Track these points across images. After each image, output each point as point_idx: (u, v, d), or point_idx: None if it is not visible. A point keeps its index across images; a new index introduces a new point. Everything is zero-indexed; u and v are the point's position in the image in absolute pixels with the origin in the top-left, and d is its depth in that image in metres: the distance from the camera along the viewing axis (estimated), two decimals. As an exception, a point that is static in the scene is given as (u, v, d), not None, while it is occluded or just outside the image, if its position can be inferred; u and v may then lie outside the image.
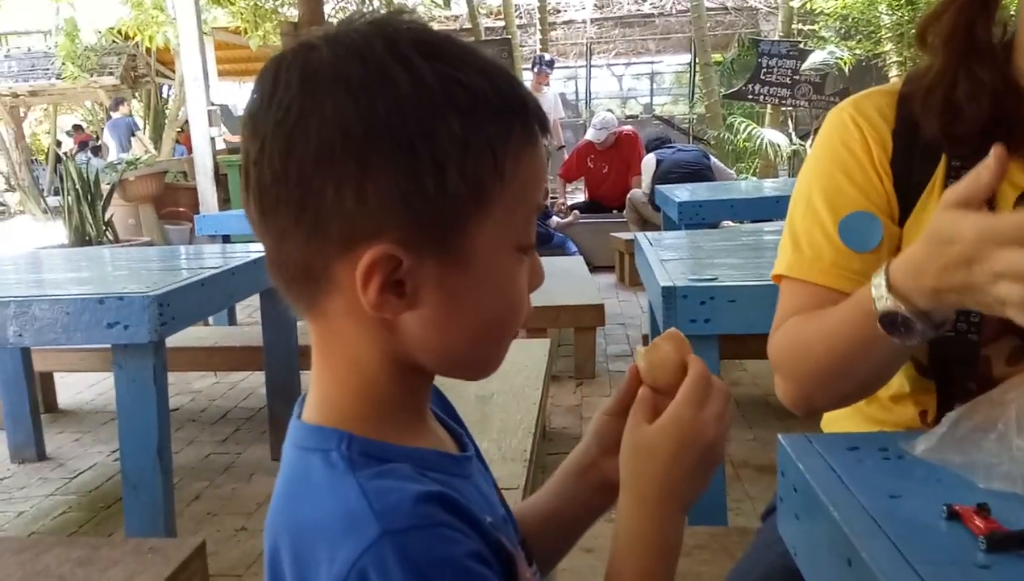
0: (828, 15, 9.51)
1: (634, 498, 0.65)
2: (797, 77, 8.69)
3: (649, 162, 6.57)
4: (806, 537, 0.76)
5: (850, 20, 9.21)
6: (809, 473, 0.76)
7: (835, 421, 1.12)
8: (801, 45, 8.99)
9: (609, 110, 10.54)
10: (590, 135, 7.52)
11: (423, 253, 0.57)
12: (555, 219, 7.13)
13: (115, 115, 12.25)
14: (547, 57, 8.93)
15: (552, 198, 7.43)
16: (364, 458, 0.58)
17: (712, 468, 0.65)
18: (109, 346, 2.03)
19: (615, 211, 7.47)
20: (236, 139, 7.75)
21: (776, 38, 9.65)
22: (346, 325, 0.60)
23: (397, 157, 0.54)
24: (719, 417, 0.65)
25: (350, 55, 0.55)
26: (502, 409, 2.32)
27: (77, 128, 12.42)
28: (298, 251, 0.58)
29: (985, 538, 0.60)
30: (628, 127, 7.99)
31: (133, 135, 12.21)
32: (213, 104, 8.11)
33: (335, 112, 0.54)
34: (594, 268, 6.49)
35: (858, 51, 9.09)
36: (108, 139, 11.87)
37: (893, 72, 8.73)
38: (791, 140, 9.30)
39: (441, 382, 0.70)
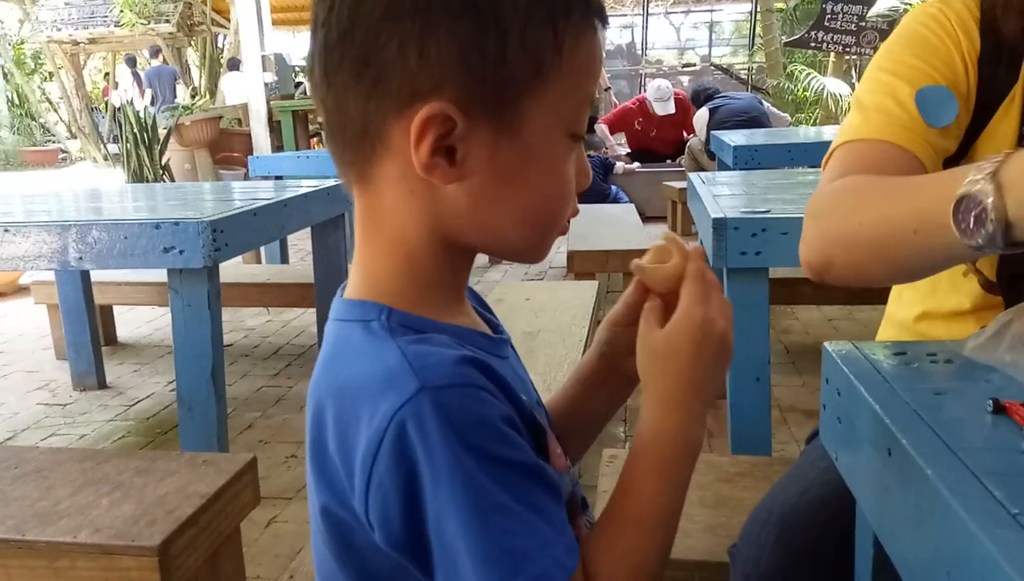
0: (898, -41, 9.14)
1: (659, 399, 0.64)
2: (863, 24, 8.37)
3: (702, 116, 6.44)
4: (847, 436, 0.75)
5: (921, -36, 8.84)
6: (853, 374, 0.75)
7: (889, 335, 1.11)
8: (868, -10, 8.66)
9: (659, 70, 10.11)
10: (659, 109, 7.25)
11: (477, 118, 0.57)
12: (620, 165, 7.02)
13: (155, 63, 12.28)
14: None
15: (604, 149, 7.32)
16: (403, 329, 0.59)
17: (727, 359, 0.65)
18: (165, 280, 2.10)
19: (668, 161, 7.37)
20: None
21: (841, -16, 9.30)
22: (394, 195, 0.61)
23: (461, 16, 0.55)
24: (723, 308, 0.65)
25: None
26: (548, 345, 2.33)
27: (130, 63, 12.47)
28: (357, 109, 0.59)
29: (1031, 426, 0.59)
30: (678, 90, 7.78)
31: (177, 82, 12.28)
32: (266, 52, 8.17)
33: None
34: (646, 218, 6.42)
35: (928, -3, 8.73)
36: (147, 88, 11.86)
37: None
38: (854, 89, 9.02)
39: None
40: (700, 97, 6.80)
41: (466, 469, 0.53)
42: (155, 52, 12.45)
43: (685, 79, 7.54)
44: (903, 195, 0.76)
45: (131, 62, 12.50)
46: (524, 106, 0.58)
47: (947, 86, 0.90)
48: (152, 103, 11.15)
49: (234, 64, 11.35)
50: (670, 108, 7.19)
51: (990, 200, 0.65)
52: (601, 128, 7.43)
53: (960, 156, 0.94)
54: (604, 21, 0.61)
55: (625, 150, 7.58)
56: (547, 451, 0.63)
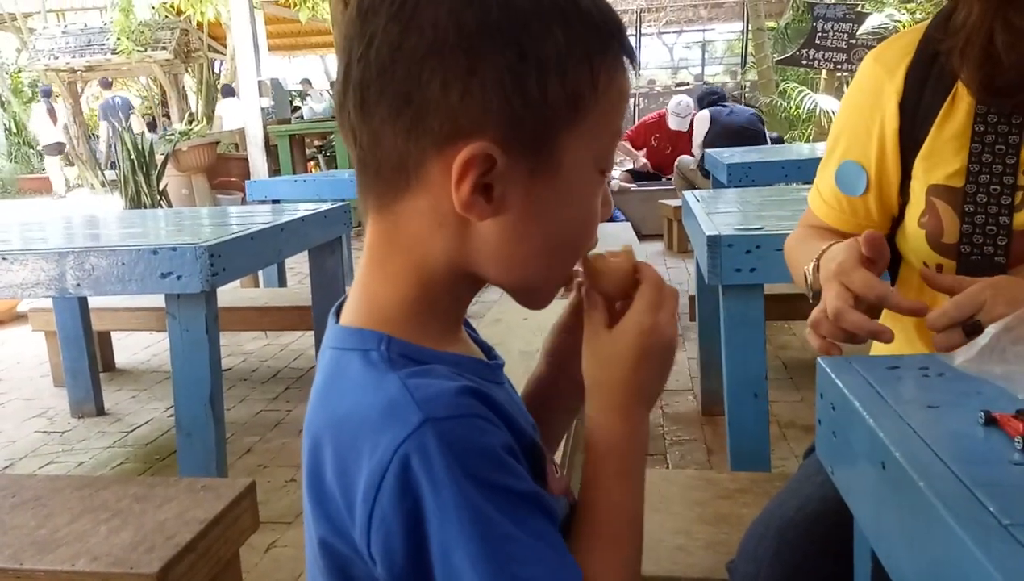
0: (886, -23, 9.23)
1: (604, 405, 0.66)
2: (854, 41, 8.46)
3: (703, 118, 6.41)
4: (842, 450, 0.75)
5: (910, -18, 8.94)
6: (847, 388, 0.75)
7: (882, 350, 1.12)
8: (858, 8, 8.75)
9: (682, 89, 10.18)
10: (673, 124, 7.33)
11: (517, 157, 0.58)
12: (615, 182, 7.04)
13: (107, 95, 12.24)
14: None
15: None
16: (403, 359, 0.59)
17: (670, 366, 0.68)
18: (163, 306, 2.10)
19: (664, 179, 7.39)
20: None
21: (832, 1, 9.39)
22: (420, 226, 0.61)
23: (506, 56, 0.56)
24: (671, 319, 0.66)
25: None
26: (546, 364, 2.33)
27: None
28: (394, 145, 0.59)
29: (1022, 438, 0.59)
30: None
31: (132, 113, 12.29)
32: (263, 77, 8.21)
33: (451, 8, 0.56)
34: (643, 236, 6.45)
35: (918, 14, 8.82)
36: (101, 121, 11.82)
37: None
38: (845, 107, 9.05)
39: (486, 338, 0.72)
40: (705, 100, 6.78)
41: (472, 501, 0.53)
42: (107, 84, 12.46)
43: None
44: (796, 255, 1.14)
45: (46, 94, 12.49)
46: (561, 143, 0.59)
47: (860, 159, 1.12)
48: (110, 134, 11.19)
49: (228, 91, 11.39)
50: (684, 125, 7.22)
51: (809, 279, 1.01)
52: (623, 145, 7.48)
53: (907, 179, 1.09)
54: (633, 59, 0.63)
55: (643, 160, 7.63)
56: (545, 476, 0.64)
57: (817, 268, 0.99)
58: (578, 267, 0.68)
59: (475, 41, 0.55)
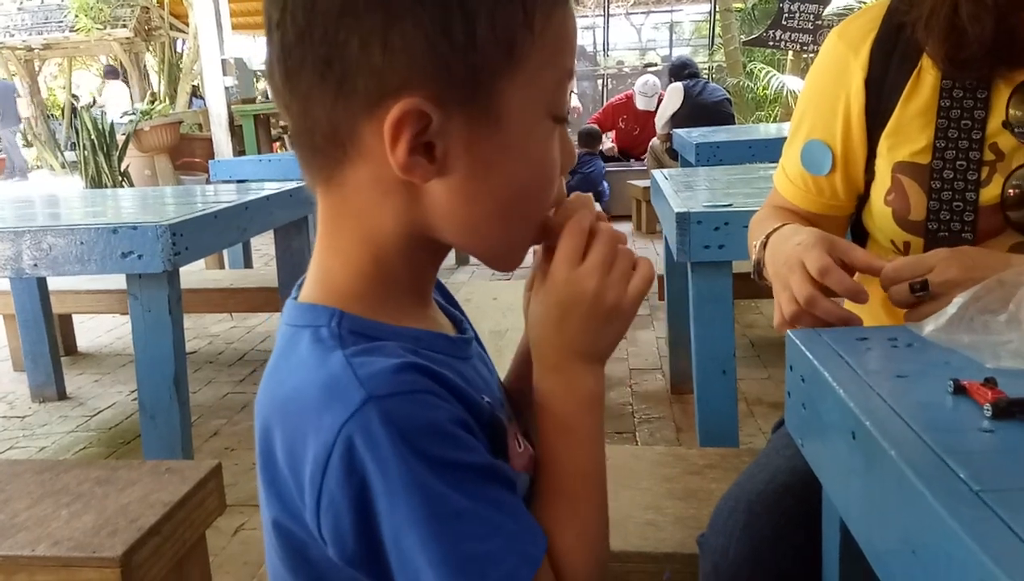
0: (852, -42, 9.27)
1: (538, 363, 0.65)
2: (820, 23, 8.47)
3: (676, 89, 6.34)
4: (812, 422, 0.75)
5: (875, -38, 8.98)
6: (817, 359, 0.75)
7: None
8: (824, -11, 8.78)
9: (648, 68, 10.18)
10: (640, 103, 7.30)
11: (452, 110, 0.55)
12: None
13: None
14: None
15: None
16: (353, 335, 0.57)
17: (610, 318, 0.63)
18: (125, 288, 2.05)
19: (632, 161, 7.40)
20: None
21: (798, -18, 9.42)
22: (366, 196, 0.58)
23: (424, 4, 0.52)
24: (600, 265, 0.62)
25: None
26: (515, 344, 2.31)
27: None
28: (324, 114, 0.56)
29: (991, 405, 0.59)
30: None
31: (16, 96, 12.02)
32: (226, 56, 8.08)
33: None
34: (611, 217, 6.46)
35: (882, -5, 8.87)
36: None
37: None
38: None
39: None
40: (681, 72, 6.64)
41: (420, 479, 0.51)
42: None
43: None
44: (755, 231, 1.13)
45: None
46: (500, 91, 0.56)
47: (825, 138, 1.11)
48: None
49: (111, 72, 11.20)
50: (651, 105, 7.20)
51: (755, 256, 1.04)
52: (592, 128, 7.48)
53: (872, 157, 1.08)
54: None
55: (609, 144, 7.62)
56: (506, 451, 0.62)
57: (765, 245, 1.01)
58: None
59: None
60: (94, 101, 13.27)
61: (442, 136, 0.55)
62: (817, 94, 1.13)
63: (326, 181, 0.60)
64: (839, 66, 1.09)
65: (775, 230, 1.02)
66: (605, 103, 8.25)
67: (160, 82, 13.24)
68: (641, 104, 7.32)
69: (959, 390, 0.64)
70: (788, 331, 0.84)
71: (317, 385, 0.54)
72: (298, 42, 0.54)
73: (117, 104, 11.20)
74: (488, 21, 0.53)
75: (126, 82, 13.05)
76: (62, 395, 3.25)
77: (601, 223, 0.64)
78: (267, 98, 8.67)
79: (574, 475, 0.63)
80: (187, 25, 12.02)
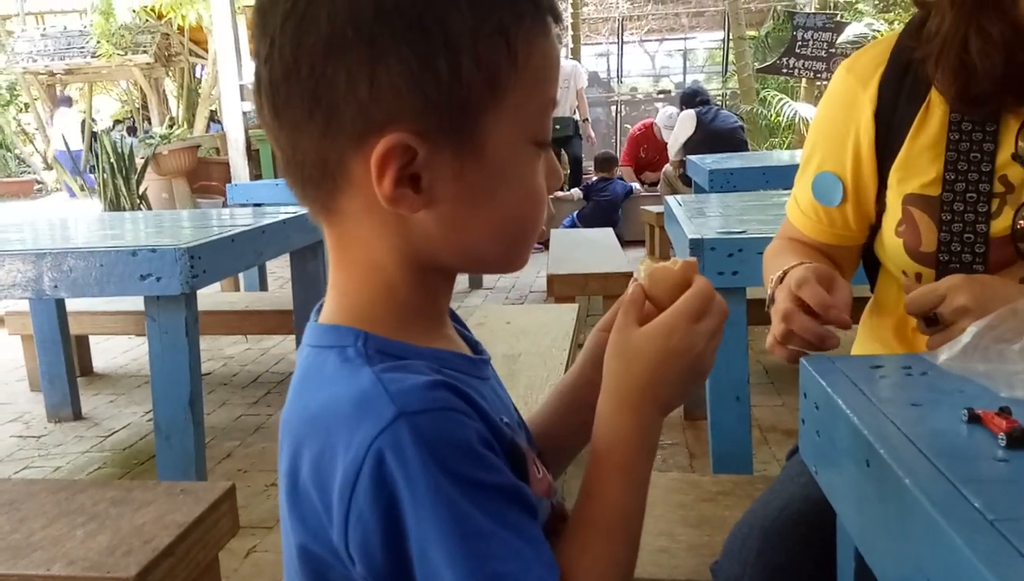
0: (866, -14, 9.32)
1: (615, 397, 0.64)
2: (833, 51, 8.51)
3: (688, 117, 6.36)
4: (826, 450, 0.75)
5: (888, -9, 9.03)
6: (831, 387, 0.75)
7: (864, 349, 1.15)
8: (838, 17, 8.82)
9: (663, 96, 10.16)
10: (665, 135, 7.33)
11: (438, 143, 0.56)
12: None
13: None
14: None
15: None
16: (379, 355, 0.58)
17: (697, 380, 0.65)
18: (142, 309, 2.08)
19: (646, 186, 7.42)
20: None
21: (812, 11, 9.47)
22: (363, 226, 0.59)
23: (408, 40, 0.53)
24: (712, 333, 0.64)
25: None
26: (529, 368, 2.33)
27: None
28: (313, 147, 0.57)
29: (1005, 434, 0.60)
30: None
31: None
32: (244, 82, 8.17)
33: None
34: (625, 242, 6.45)
35: (896, 23, 8.91)
36: None
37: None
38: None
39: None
40: (693, 100, 6.70)
41: (448, 496, 0.52)
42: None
43: (660, 105, 7.62)
44: (770, 267, 1.11)
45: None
46: (484, 122, 0.57)
47: (835, 169, 1.11)
48: None
49: (64, 100, 11.31)
50: None
51: (771, 290, 0.99)
52: (626, 171, 7.52)
53: (883, 188, 1.08)
54: (557, 18, 0.60)
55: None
56: (527, 475, 0.63)
57: (781, 279, 1.00)
58: (640, 268, 0.68)
59: (374, 28, 0.53)
60: (113, 125, 13.44)
61: (428, 168, 0.56)
62: (827, 127, 1.14)
63: (327, 211, 0.61)
64: (848, 99, 1.09)
65: (792, 267, 1.02)
66: (618, 129, 8.29)
67: (179, 107, 13.40)
68: (665, 136, 7.35)
69: (973, 419, 0.64)
70: (802, 359, 0.85)
71: (347, 401, 0.55)
72: (285, 78, 0.56)
73: (68, 131, 11.41)
74: (472, 56, 0.55)
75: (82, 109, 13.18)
76: (78, 415, 3.26)
77: (718, 294, 0.66)
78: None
79: (618, 514, 0.63)
80: (206, 51, 12.19)
